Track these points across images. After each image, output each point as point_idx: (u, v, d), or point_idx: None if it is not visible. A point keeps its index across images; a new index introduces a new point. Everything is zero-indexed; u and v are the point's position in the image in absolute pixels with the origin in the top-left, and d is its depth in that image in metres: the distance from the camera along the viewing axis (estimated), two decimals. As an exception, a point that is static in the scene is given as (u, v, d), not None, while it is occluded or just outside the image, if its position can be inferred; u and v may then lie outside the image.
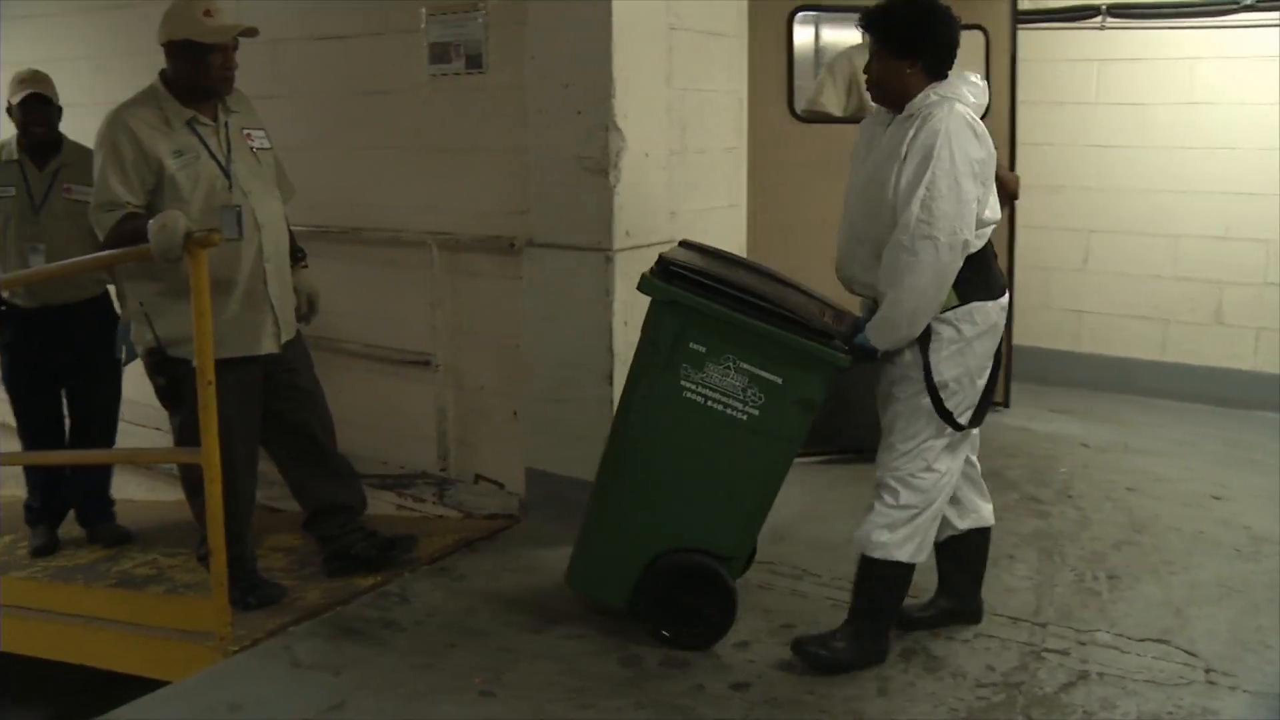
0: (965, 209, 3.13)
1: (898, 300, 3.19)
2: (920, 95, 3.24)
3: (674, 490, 3.55)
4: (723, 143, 4.87)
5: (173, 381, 3.79)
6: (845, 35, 6.07)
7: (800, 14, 5.31)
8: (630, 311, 4.24)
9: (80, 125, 6.41)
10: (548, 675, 3.36)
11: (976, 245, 3.23)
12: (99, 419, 5.06)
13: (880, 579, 3.40)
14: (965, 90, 3.27)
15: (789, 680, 3.33)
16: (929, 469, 3.33)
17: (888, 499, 3.36)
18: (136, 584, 4.47)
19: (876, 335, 3.28)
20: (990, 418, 5.86)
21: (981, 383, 3.35)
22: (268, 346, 3.99)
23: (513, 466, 4.69)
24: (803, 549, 4.30)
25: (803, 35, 5.61)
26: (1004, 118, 5.70)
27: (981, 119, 3.25)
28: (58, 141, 4.83)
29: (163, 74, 3.87)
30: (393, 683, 3.34)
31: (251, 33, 3.87)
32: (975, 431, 3.50)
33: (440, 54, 4.66)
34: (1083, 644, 3.51)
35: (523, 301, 4.46)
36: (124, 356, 4.62)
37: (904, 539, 3.34)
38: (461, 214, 4.70)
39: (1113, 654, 3.45)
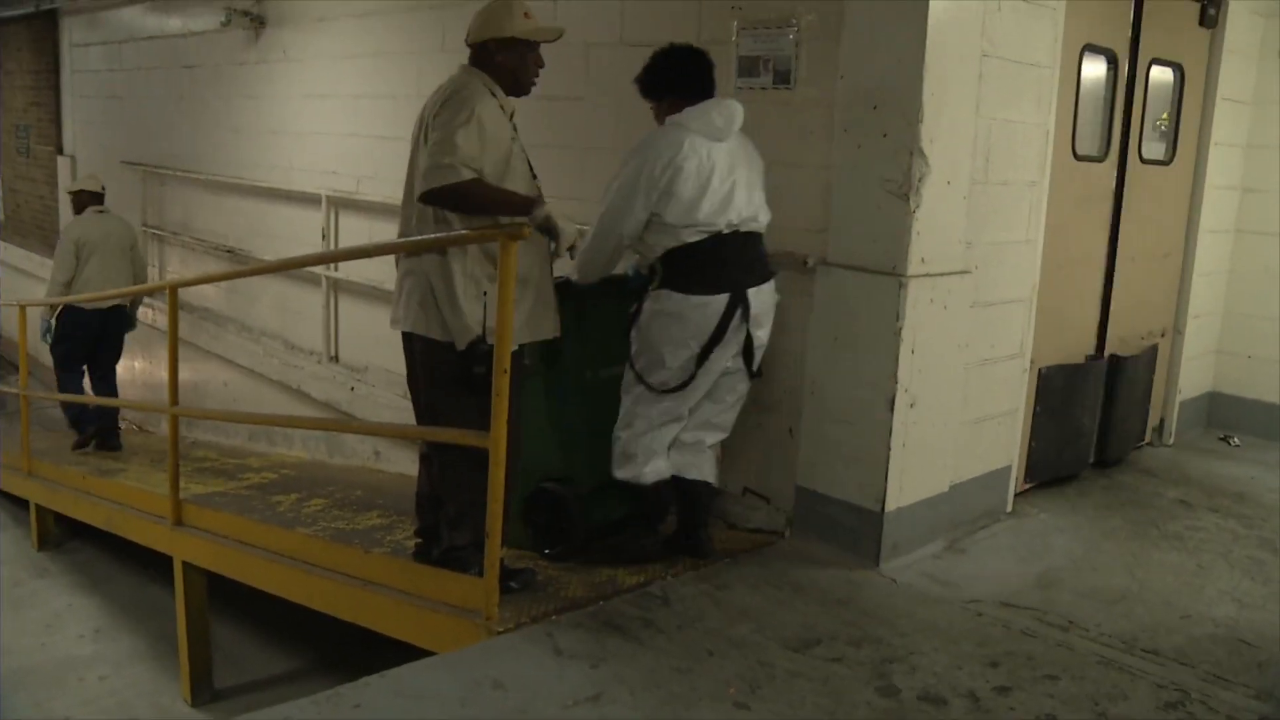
0: (621, 211, 3.98)
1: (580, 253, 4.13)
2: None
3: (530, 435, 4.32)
4: (1026, 176, 4.73)
5: (489, 370, 3.70)
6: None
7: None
8: (918, 338, 4.20)
9: (400, 117, 6.82)
10: (803, 694, 3.33)
11: (667, 243, 3.98)
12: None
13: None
14: (689, 118, 4.03)
15: (1051, 732, 3.21)
16: (625, 409, 4.24)
17: None
18: (405, 554, 4.65)
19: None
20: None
21: (675, 363, 4.04)
22: (555, 331, 4.13)
23: (781, 483, 4.67)
24: (1072, 599, 4.15)
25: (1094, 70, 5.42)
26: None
27: None
28: None
29: (480, 67, 3.91)
30: (651, 682, 3.37)
31: (560, 35, 4.00)
32: (704, 414, 4.26)
33: (749, 67, 4.69)
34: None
35: (810, 319, 4.44)
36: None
37: (616, 457, 4.29)
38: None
39: None
